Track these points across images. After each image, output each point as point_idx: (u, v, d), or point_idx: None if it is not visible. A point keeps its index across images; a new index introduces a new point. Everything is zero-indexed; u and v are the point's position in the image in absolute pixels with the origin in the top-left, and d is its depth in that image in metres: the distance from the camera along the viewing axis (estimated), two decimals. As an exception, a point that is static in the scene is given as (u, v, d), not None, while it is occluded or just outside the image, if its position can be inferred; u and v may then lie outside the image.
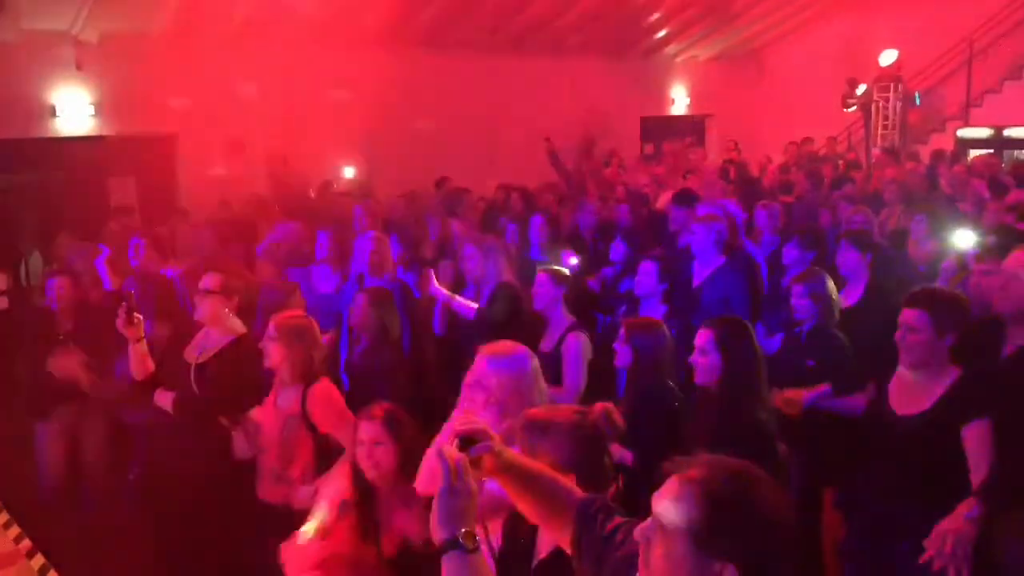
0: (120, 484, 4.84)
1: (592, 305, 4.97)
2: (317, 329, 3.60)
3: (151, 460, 4.11)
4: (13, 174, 8.61)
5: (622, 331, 3.60)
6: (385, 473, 2.77)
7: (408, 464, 2.72)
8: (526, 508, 1.80)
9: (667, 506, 1.41)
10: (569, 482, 1.74)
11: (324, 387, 3.44)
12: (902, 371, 3.10)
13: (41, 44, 8.25)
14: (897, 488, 2.96)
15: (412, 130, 10.35)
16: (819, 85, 13.27)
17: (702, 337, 3.19)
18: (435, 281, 4.44)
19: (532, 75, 11.71)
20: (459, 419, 1.65)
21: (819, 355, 3.87)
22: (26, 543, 3.40)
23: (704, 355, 3.16)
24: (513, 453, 1.67)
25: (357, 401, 3.24)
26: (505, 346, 2.85)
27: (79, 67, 8.47)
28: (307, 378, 3.44)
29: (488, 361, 2.76)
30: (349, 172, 9.79)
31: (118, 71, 8.67)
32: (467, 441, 1.55)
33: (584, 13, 10.90)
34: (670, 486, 1.42)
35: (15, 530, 3.50)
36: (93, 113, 8.64)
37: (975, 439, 2.82)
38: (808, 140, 11.81)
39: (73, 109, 8.56)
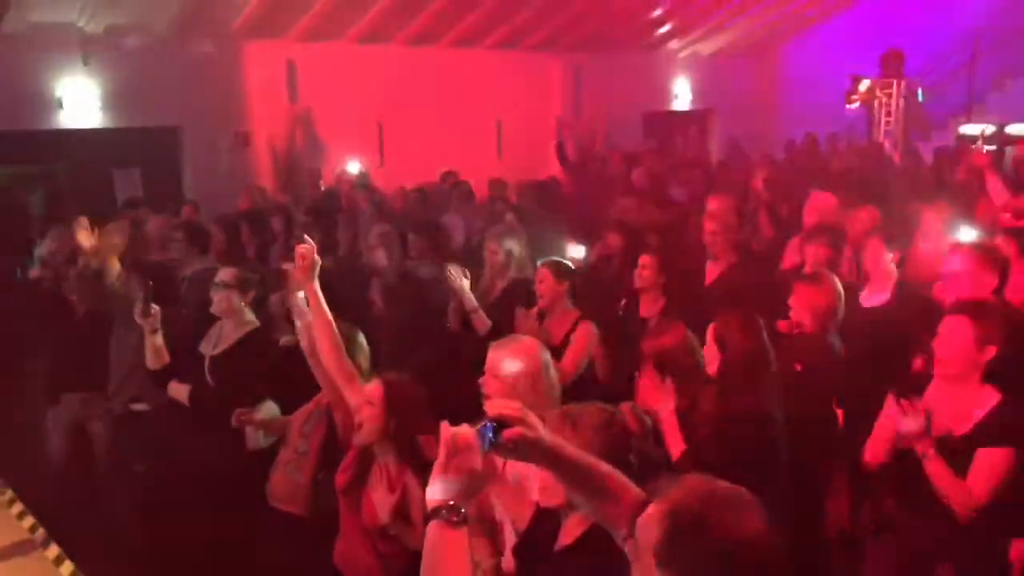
0: (128, 474, 4.87)
1: (607, 294, 4.91)
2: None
3: (162, 451, 4.13)
4: (21, 165, 8.65)
5: (711, 329, 3.22)
6: (365, 434, 2.81)
7: (400, 434, 2.77)
8: (575, 498, 1.84)
9: (641, 526, 1.48)
10: (626, 480, 1.76)
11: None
12: (933, 383, 2.95)
13: (47, 37, 8.27)
14: (933, 508, 2.83)
15: (416, 122, 10.39)
16: (823, 81, 13.29)
17: (709, 331, 3.21)
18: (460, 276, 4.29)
19: (532, 69, 11.77)
20: (496, 403, 1.67)
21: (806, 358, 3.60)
22: (41, 532, 3.43)
23: (708, 347, 3.18)
24: (560, 442, 1.69)
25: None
26: (516, 340, 2.91)
27: (85, 60, 8.49)
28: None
29: (500, 354, 2.83)
30: (354, 166, 9.81)
31: (123, 64, 8.70)
32: (500, 424, 1.58)
33: (586, 9, 10.92)
34: (648, 509, 1.48)
35: (29, 520, 3.53)
36: (100, 106, 8.67)
37: (991, 465, 2.72)
38: (811, 136, 11.83)
39: (79, 101, 8.59)
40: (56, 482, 4.79)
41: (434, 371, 3.78)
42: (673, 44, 13.64)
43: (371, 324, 4.12)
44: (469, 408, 1.92)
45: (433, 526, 1.57)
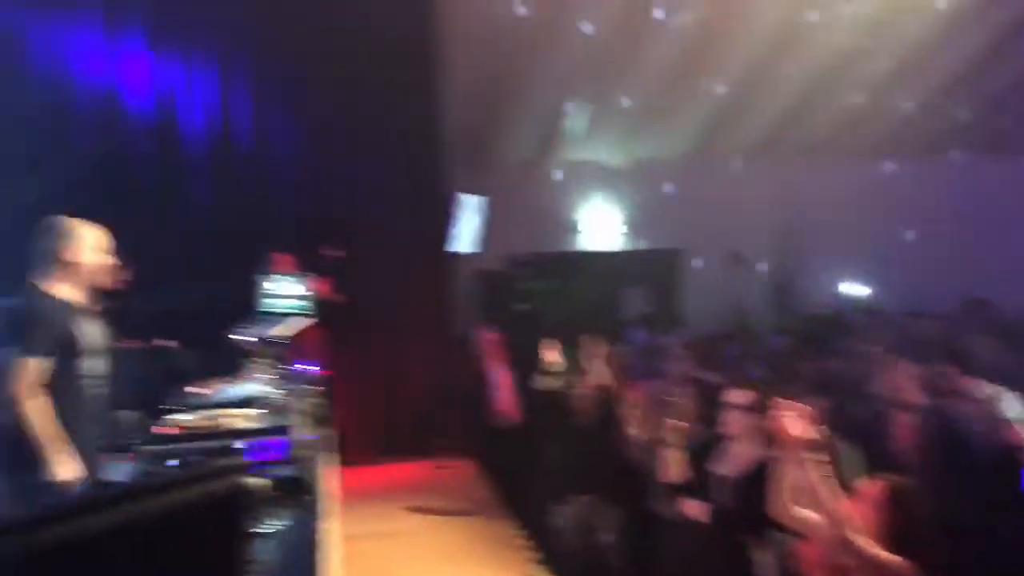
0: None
1: None
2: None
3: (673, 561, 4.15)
4: (545, 281, 9.90)
5: None
6: None
7: None
8: None
9: None
10: None
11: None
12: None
13: (577, 172, 9.51)
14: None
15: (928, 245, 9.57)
16: None
17: None
18: None
19: None
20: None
21: None
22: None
23: None
24: None
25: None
26: None
27: (605, 192, 9.58)
28: None
29: None
30: (858, 290, 9.32)
31: (638, 193, 9.61)
32: None
33: None
34: None
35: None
36: (613, 230, 9.65)
37: None
38: None
39: (596, 227, 9.66)
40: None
41: None
42: None
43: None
44: None
45: None
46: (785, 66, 8.55)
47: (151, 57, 6.70)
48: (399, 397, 6.80)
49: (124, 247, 3.70)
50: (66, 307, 3.41)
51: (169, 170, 6.64)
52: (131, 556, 1.24)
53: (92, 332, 3.53)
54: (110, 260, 3.53)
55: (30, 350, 3.23)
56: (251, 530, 1.53)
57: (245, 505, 1.49)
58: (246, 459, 2.40)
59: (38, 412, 3.22)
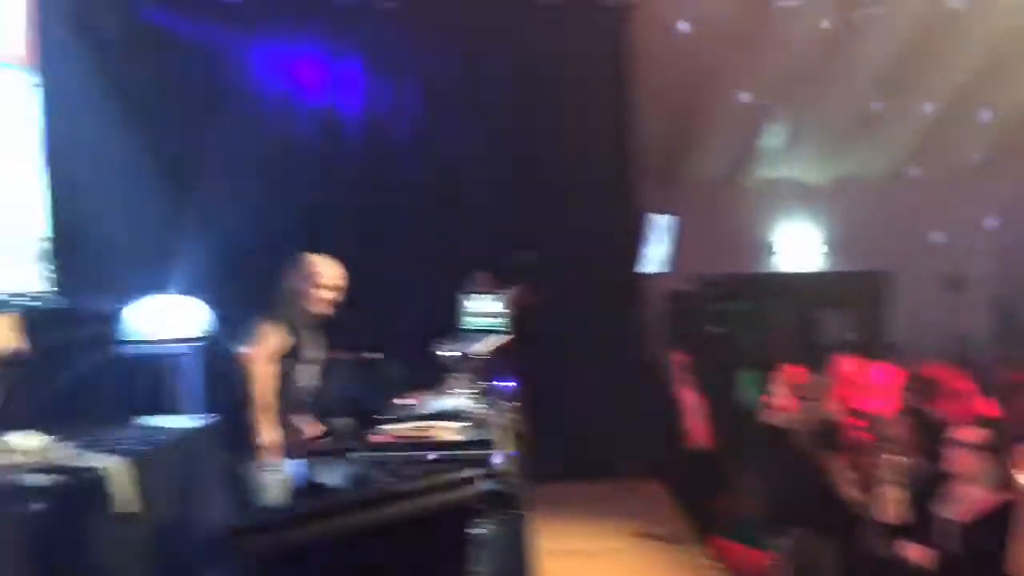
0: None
1: None
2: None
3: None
4: (736, 303, 9.58)
5: None
6: None
7: None
8: None
9: None
10: None
11: None
12: None
13: (773, 190, 9.16)
14: None
15: None
16: None
17: None
18: None
19: None
20: None
21: None
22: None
23: None
24: None
25: None
26: None
27: (803, 211, 9.15)
28: None
29: None
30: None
31: (836, 212, 9.10)
32: None
33: None
34: None
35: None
36: (810, 251, 9.21)
37: None
38: None
39: (792, 247, 9.24)
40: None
41: None
42: None
43: None
44: None
45: None
46: (1005, 78, 7.85)
47: (364, 77, 7.19)
48: (589, 416, 6.78)
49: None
50: (297, 328, 3.82)
51: (378, 188, 7.02)
52: (381, 556, 1.29)
53: (311, 346, 3.87)
54: (336, 294, 3.88)
55: (272, 319, 3.59)
56: (477, 540, 1.57)
57: (476, 516, 1.53)
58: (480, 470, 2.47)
59: (264, 378, 3.52)
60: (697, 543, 5.87)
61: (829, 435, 4.50)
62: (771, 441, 5.05)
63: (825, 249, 9.34)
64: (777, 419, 4.95)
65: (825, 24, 7.34)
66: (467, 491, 1.48)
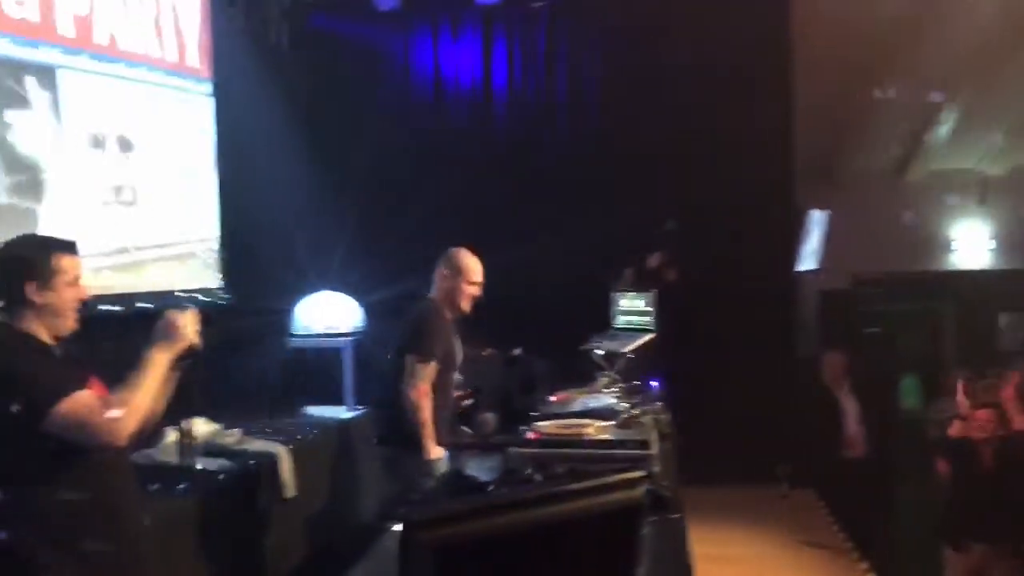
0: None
1: None
2: None
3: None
4: (906, 303, 8.99)
5: None
6: None
7: None
8: None
9: None
10: None
11: None
12: None
13: (948, 182, 8.55)
14: None
15: None
16: None
17: None
18: None
19: None
20: None
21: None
22: None
23: None
24: None
25: None
26: None
27: (980, 201, 8.48)
28: None
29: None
30: None
31: (1019, 205, 8.40)
32: None
33: None
34: None
35: None
36: (992, 247, 8.55)
37: None
38: None
39: (971, 243, 8.60)
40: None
41: None
42: None
43: None
44: None
45: None
46: None
47: (516, 72, 7.29)
48: (739, 417, 6.53)
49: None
50: (448, 325, 3.89)
51: (523, 182, 7.04)
52: (548, 555, 1.28)
53: (458, 346, 3.96)
54: (478, 289, 3.93)
55: (428, 356, 3.70)
56: (640, 542, 1.53)
57: (641, 517, 1.50)
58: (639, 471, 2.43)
59: (427, 405, 3.65)
60: (856, 554, 5.60)
61: (1014, 448, 4.16)
62: (947, 453, 4.71)
63: (1000, 245, 8.61)
64: (954, 430, 4.60)
65: (996, 7, 6.74)
66: (636, 491, 1.43)
